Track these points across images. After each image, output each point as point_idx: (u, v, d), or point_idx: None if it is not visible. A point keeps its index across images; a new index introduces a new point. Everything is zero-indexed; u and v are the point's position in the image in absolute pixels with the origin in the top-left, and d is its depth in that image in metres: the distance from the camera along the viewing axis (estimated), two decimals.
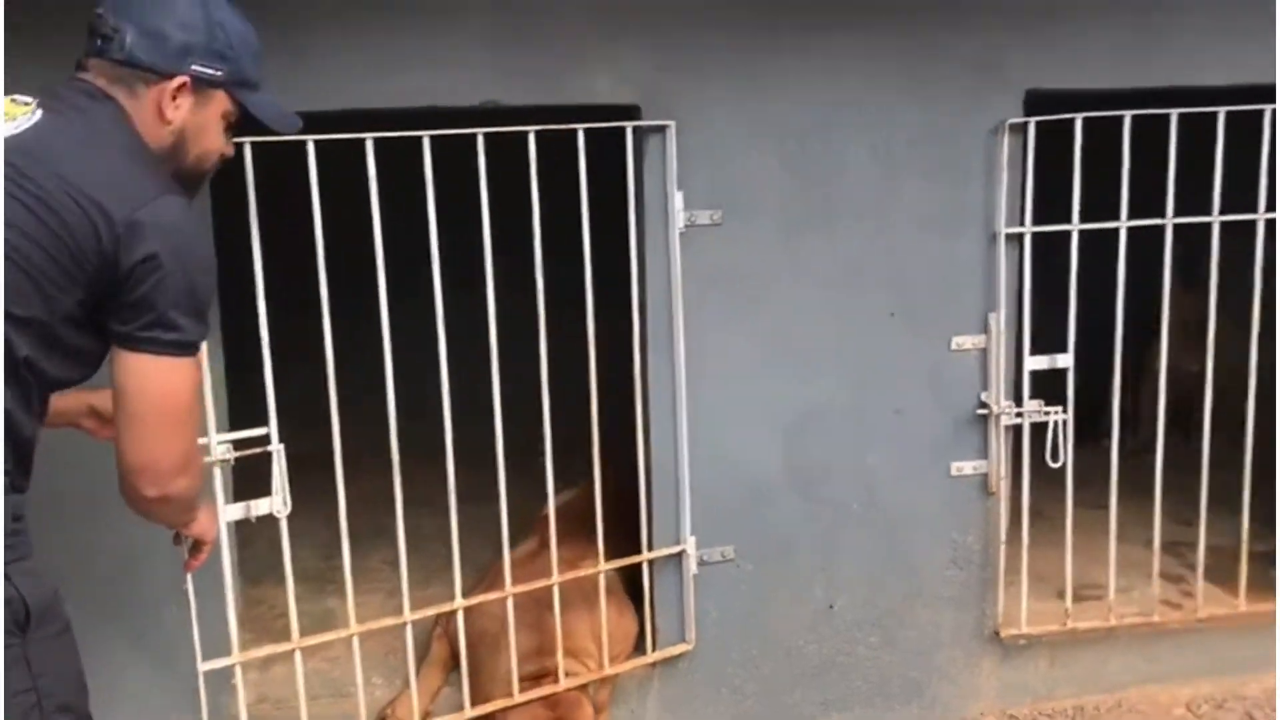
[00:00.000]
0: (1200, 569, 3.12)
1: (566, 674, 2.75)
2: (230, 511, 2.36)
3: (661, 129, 2.65)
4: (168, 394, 1.68)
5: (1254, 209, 2.88)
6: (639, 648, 2.92)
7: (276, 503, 2.37)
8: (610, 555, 2.83)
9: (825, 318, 2.83)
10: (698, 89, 2.67)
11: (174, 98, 1.75)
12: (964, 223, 2.82)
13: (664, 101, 2.66)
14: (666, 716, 2.95)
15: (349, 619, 2.56)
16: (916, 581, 2.99)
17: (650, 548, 2.85)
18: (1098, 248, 2.82)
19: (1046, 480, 2.92)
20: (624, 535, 2.91)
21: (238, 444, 2.37)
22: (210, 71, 1.77)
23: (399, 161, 2.43)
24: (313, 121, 2.39)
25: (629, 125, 2.63)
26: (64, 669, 1.68)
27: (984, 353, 2.87)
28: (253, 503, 2.38)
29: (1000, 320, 2.84)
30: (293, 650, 2.54)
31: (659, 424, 2.79)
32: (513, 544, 2.77)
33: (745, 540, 2.90)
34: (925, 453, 2.92)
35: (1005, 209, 2.79)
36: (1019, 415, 2.87)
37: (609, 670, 2.82)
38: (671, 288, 2.72)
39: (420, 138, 2.41)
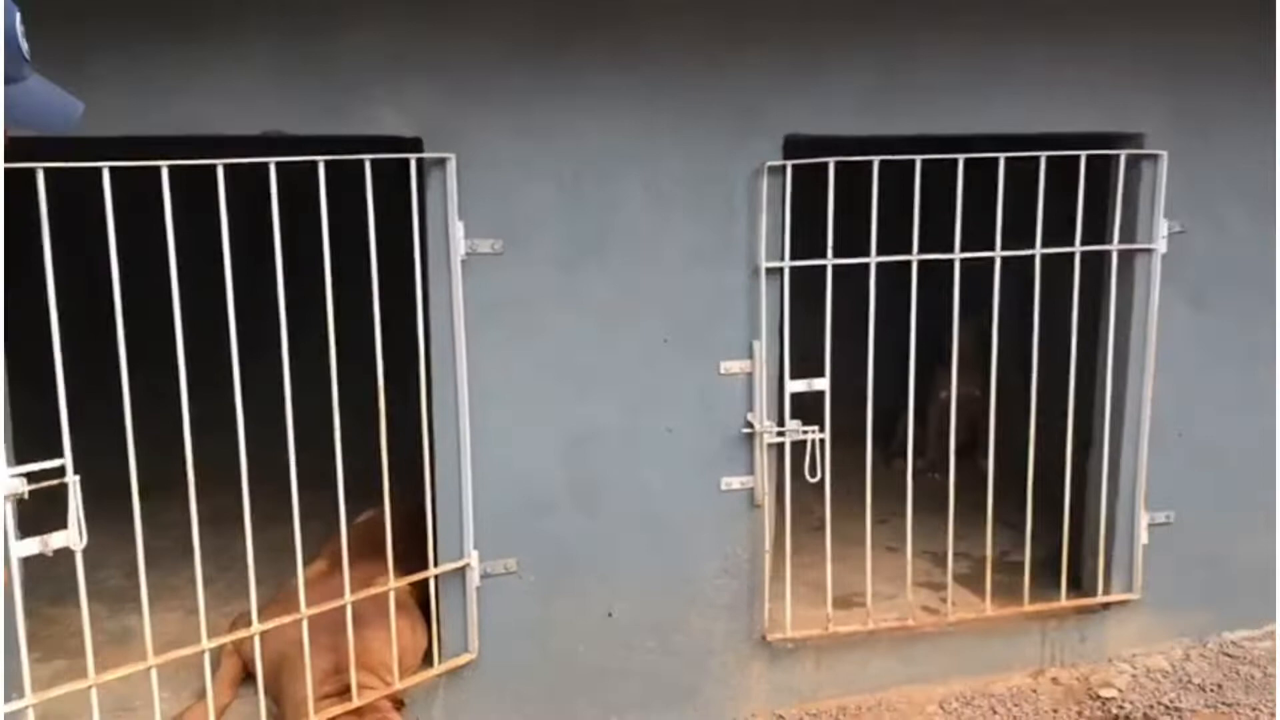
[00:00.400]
0: (949, 576, 3.42)
1: (363, 688, 2.84)
2: (24, 547, 2.28)
3: (442, 161, 2.80)
4: None
5: (990, 247, 3.19)
6: (429, 659, 3.05)
7: (72, 536, 2.29)
8: (405, 572, 2.95)
9: (601, 343, 3.01)
10: (479, 124, 2.83)
11: None
12: (729, 256, 3.04)
13: (446, 135, 2.81)
14: None
15: (147, 652, 2.56)
16: (691, 590, 3.19)
17: (436, 563, 2.97)
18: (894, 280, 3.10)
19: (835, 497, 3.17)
20: (419, 553, 3.03)
21: (31, 476, 2.26)
22: None
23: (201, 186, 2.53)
24: (100, 146, 2.49)
25: (411, 157, 2.78)
26: None
27: (749, 376, 3.10)
28: (49, 537, 2.30)
29: (763, 347, 3.07)
30: (89, 687, 2.48)
31: (443, 444, 2.92)
32: (307, 564, 2.86)
33: (528, 553, 3.05)
34: (696, 469, 3.12)
35: (766, 244, 3.03)
36: (780, 434, 3.11)
37: (400, 685, 2.93)
38: (454, 314, 2.86)
39: (159, 168, 2.45)
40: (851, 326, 3.14)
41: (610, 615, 3.14)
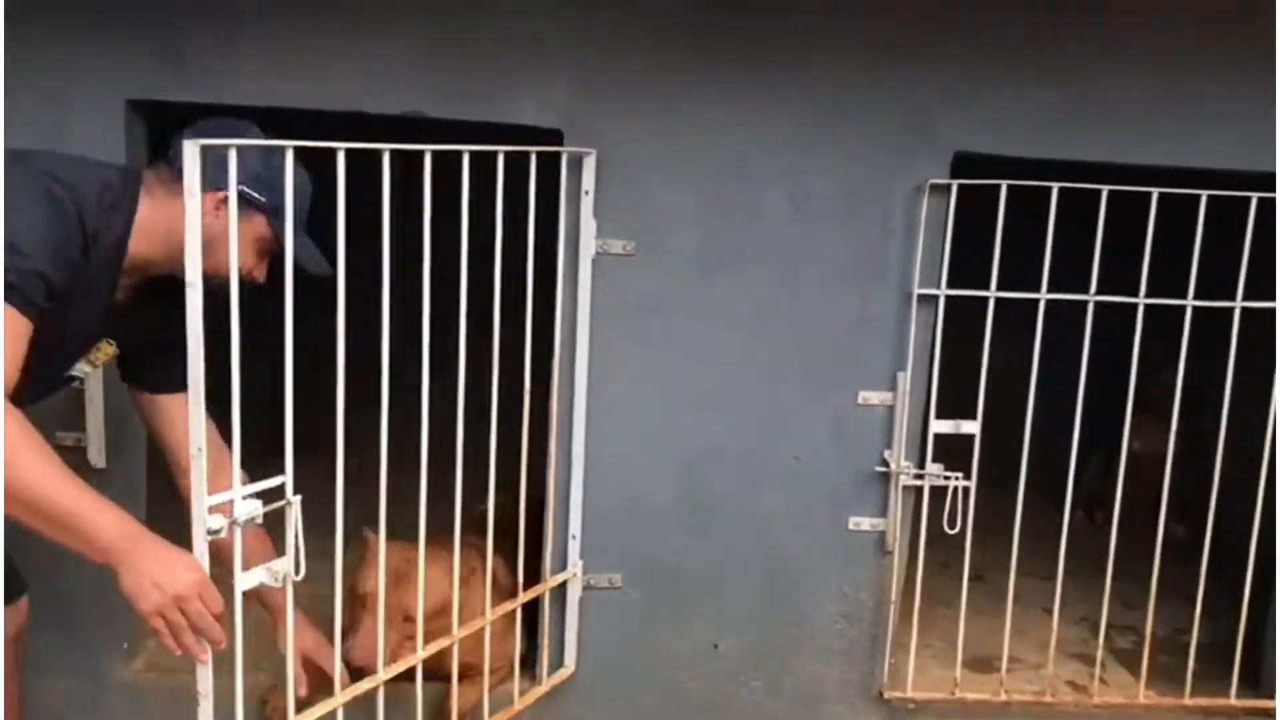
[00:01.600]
0: (1099, 653, 3.08)
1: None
2: (249, 578, 1.91)
3: (580, 156, 2.67)
4: None
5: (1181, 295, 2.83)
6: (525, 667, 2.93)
7: (288, 563, 1.93)
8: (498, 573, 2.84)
9: (731, 357, 2.83)
10: (621, 120, 2.69)
11: (216, 207, 1.93)
12: (879, 279, 2.80)
13: (587, 129, 2.68)
14: None
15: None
16: (804, 630, 2.97)
17: (546, 574, 2.85)
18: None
19: (982, 545, 2.89)
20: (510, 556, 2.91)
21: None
22: (255, 196, 1.98)
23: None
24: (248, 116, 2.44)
25: (545, 150, 2.65)
26: None
27: (890, 410, 2.85)
28: (273, 564, 1.93)
29: (908, 379, 2.81)
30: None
31: (556, 450, 2.80)
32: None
33: (634, 570, 2.91)
34: (822, 503, 2.90)
35: (920, 269, 2.77)
36: (919, 477, 2.85)
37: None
38: (578, 315, 2.74)
39: (336, 149, 2.30)
40: (1009, 365, 2.84)
41: (716, 647, 2.96)
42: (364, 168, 2.07)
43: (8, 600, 2.29)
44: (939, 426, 2.82)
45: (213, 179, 1.84)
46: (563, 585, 2.87)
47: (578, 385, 2.77)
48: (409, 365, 2.42)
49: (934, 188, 2.73)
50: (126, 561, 1.76)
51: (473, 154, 2.27)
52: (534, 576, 2.84)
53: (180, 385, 1.82)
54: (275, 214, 2.01)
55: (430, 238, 2.28)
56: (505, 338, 2.50)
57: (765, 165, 2.75)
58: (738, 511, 2.90)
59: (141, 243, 1.97)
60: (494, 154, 2.37)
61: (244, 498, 1.82)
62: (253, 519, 1.82)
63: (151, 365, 2.23)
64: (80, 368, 2.14)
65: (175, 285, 1.79)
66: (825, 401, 2.86)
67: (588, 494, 2.84)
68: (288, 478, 1.90)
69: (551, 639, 2.89)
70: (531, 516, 2.84)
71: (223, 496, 1.79)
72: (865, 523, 2.91)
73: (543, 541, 2.84)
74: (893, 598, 2.92)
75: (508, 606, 2.71)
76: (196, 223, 1.67)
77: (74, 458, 2.49)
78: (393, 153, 2.07)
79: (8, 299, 1.75)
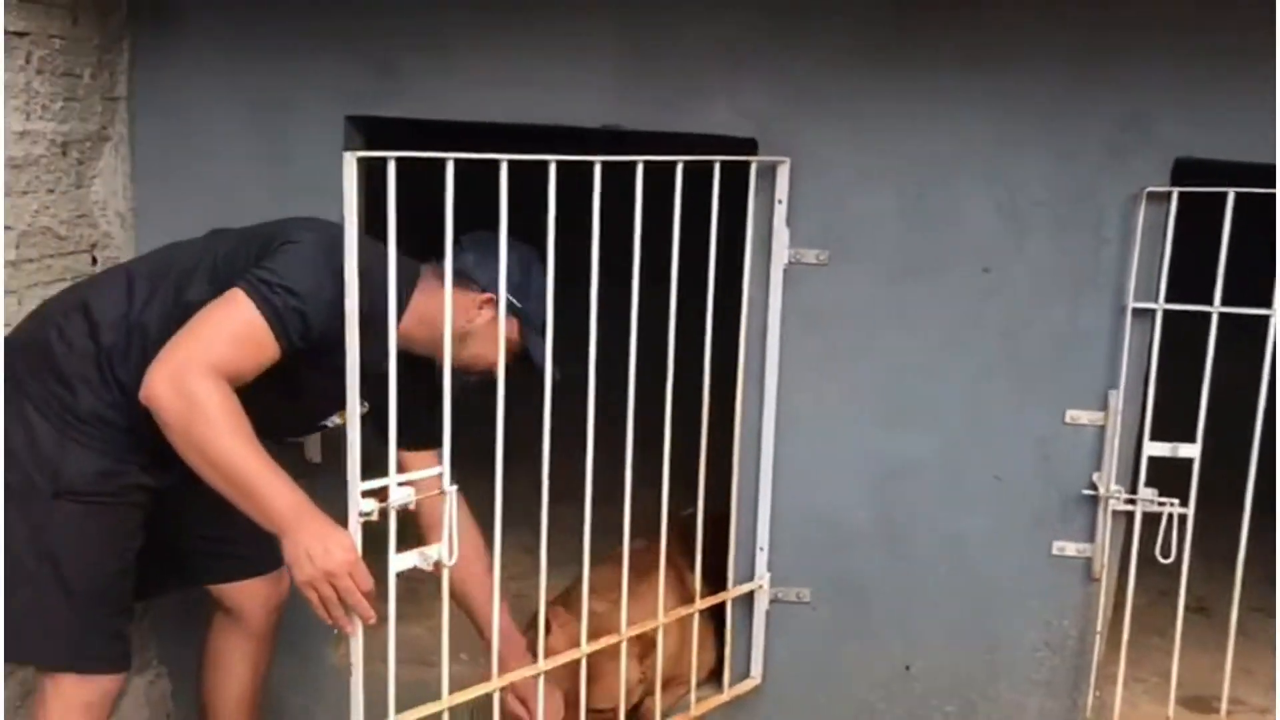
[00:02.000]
0: None
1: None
2: (403, 560, 1.99)
3: (774, 165, 2.64)
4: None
5: None
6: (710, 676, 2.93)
7: (444, 550, 2.01)
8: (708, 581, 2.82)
9: (928, 370, 2.74)
10: (816, 127, 2.65)
11: (480, 306, 2.20)
12: (1090, 291, 2.65)
13: (781, 137, 2.65)
14: None
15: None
16: (1003, 658, 2.85)
17: (731, 583, 2.84)
18: None
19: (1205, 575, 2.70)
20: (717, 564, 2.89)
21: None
22: (515, 302, 2.20)
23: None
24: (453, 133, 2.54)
25: (741, 160, 2.64)
26: (73, 542, 2.10)
27: (1100, 430, 2.69)
28: (426, 550, 2.01)
29: (1120, 398, 2.65)
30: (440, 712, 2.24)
31: (743, 460, 2.79)
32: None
33: (823, 585, 2.86)
34: (1025, 526, 2.77)
35: (1136, 281, 2.61)
36: (1130, 502, 2.68)
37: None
38: (768, 325, 2.71)
39: (498, 160, 2.08)
40: (1233, 383, 2.64)
41: (908, 669, 2.87)
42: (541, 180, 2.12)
43: (270, 568, 2.46)
44: (1154, 449, 2.65)
45: (482, 282, 2.18)
46: (749, 596, 2.84)
47: (767, 396, 2.74)
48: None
49: (1152, 195, 2.56)
50: (290, 533, 1.91)
51: (664, 165, 2.29)
52: (719, 587, 2.83)
53: (420, 445, 2.20)
54: (527, 321, 2.26)
55: (601, 250, 2.30)
56: (691, 348, 2.50)
57: (969, 170, 2.65)
58: (933, 531, 2.81)
59: (410, 323, 2.13)
60: (710, 164, 2.40)
61: (399, 484, 1.93)
62: (405, 505, 1.93)
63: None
64: (333, 419, 2.32)
65: (430, 363, 2.12)
66: (1030, 419, 2.73)
67: (776, 506, 2.81)
68: (445, 469, 2.03)
69: (736, 649, 2.88)
70: (717, 527, 2.83)
71: (378, 482, 1.90)
72: (1070, 547, 2.76)
73: (726, 552, 2.82)
74: (1099, 627, 2.76)
75: (683, 611, 2.71)
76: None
77: (292, 452, 2.65)
78: (575, 165, 2.12)
79: (265, 318, 1.99)
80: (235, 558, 2.46)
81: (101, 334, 2.12)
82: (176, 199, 2.82)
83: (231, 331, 1.99)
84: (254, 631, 2.57)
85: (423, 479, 1.97)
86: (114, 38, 2.74)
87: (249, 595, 2.49)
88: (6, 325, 2.42)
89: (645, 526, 2.66)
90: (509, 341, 2.21)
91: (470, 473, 2.15)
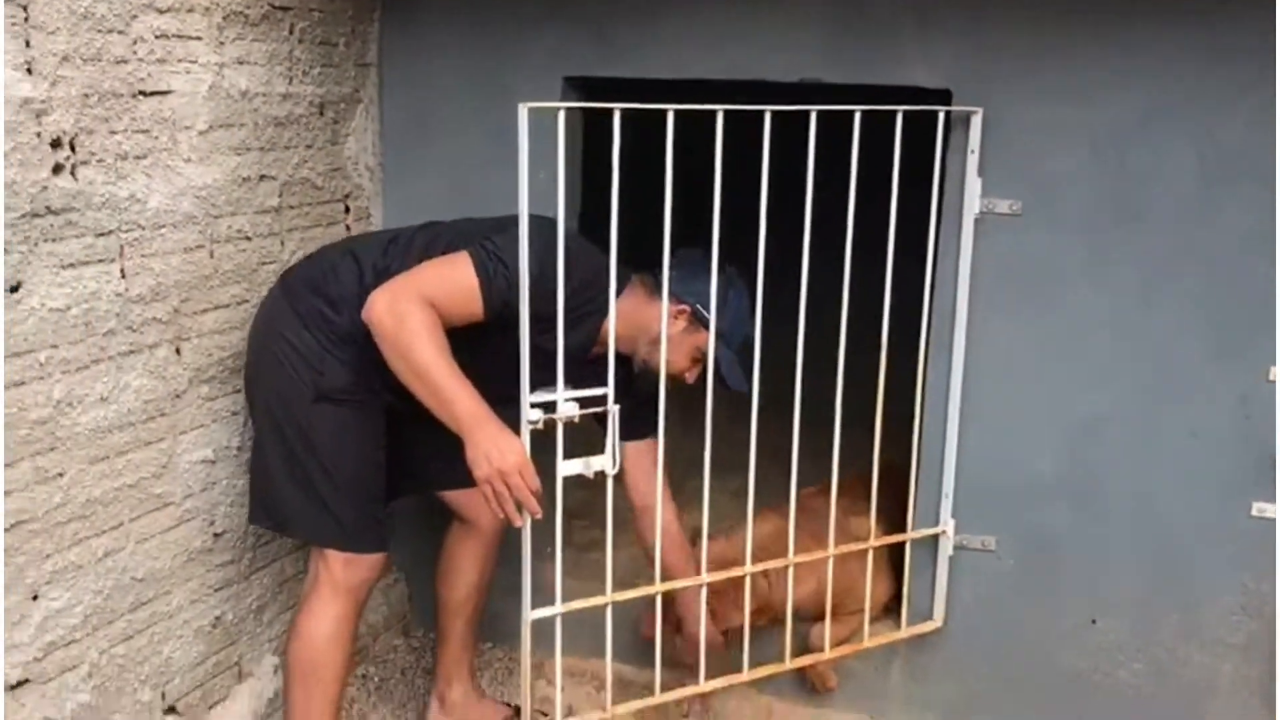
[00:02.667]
0: None
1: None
2: (569, 467, 2.32)
3: (968, 116, 2.69)
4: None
5: None
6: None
7: (607, 461, 2.36)
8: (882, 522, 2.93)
9: (1122, 324, 2.72)
10: (1008, 78, 2.68)
11: (675, 316, 2.48)
12: None
13: (973, 88, 2.70)
14: (910, 684, 3.04)
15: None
16: (1194, 619, 2.81)
17: (913, 526, 2.93)
18: None
19: None
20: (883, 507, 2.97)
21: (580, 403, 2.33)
22: (706, 315, 2.45)
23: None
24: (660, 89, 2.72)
25: (934, 109, 2.70)
26: (333, 439, 2.50)
27: None
28: (590, 459, 2.34)
29: None
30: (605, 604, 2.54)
31: (932, 409, 2.86)
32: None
33: (1008, 535, 2.90)
34: (1221, 485, 2.72)
35: None
36: None
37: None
38: (958, 276, 2.77)
39: (714, 111, 2.34)
40: None
41: (1094, 623, 2.88)
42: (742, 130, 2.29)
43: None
44: None
45: (678, 293, 2.47)
46: (933, 541, 2.92)
47: (956, 344, 2.80)
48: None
49: None
50: (470, 436, 2.24)
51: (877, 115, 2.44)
52: (896, 532, 2.94)
53: (637, 435, 2.57)
54: (719, 336, 2.48)
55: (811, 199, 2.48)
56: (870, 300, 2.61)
57: (1171, 121, 2.62)
58: (1124, 487, 2.80)
59: (618, 324, 2.37)
60: (891, 113, 2.50)
61: (565, 400, 2.24)
62: (570, 419, 2.25)
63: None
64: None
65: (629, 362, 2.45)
66: (1229, 377, 2.67)
67: (963, 455, 2.87)
68: (610, 389, 2.32)
69: (917, 591, 2.96)
70: (899, 474, 2.92)
71: (545, 395, 2.21)
72: (1271, 509, 2.69)
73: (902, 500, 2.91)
74: None
75: (856, 546, 2.85)
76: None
77: None
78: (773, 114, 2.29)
79: (479, 281, 2.35)
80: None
81: (365, 277, 2.52)
82: (418, 155, 3.16)
83: (450, 280, 2.36)
84: (483, 538, 2.92)
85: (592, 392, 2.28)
86: (366, 10, 3.08)
87: (479, 503, 2.77)
88: (270, 263, 2.81)
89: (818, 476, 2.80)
90: (698, 351, 2.51)
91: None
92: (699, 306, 2.48)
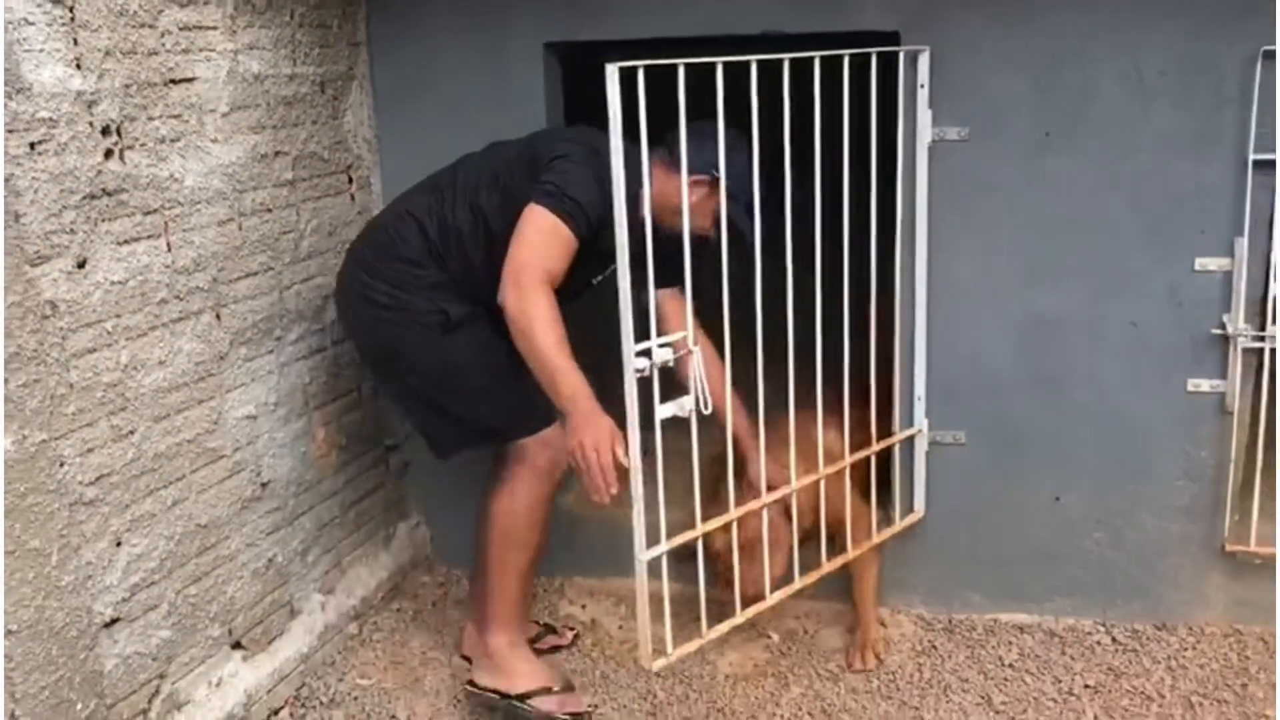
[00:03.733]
0: None
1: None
2: (664, 410, 2.52)
3: (916, 54, 2.99)
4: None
5: None
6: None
7: (690, 402, 2.55)
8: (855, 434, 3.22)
9: (1066, 231, 3.04)
10: (955, 16, 2.97)
11: (695, 186, 2.70)
12: (1213, 148, 2.90)
13: (923, 28, 2.99)
14: (898, 570, 3.37)
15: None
16: (1146, 488, 3.16)
17: (893, 430, 3.25)
18: None
19: None
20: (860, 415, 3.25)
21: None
22: (719, 177, 2.70)
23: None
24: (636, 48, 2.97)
25: (885, 50, 2.98)
26: (478, 353, 2.81)
27: (1228, 275, 2.95)
28: (683, 400, 2.53)
29: (1244, 245, 2.90)
30: (696, 537, 2.77)
31: (902, 320, 3.17)
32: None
33: (978, 429, 3.23)
34: (1161, 367, 3.07)
35: (1256, 136, 2.84)
36: (1259, 340, 2.94)
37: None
38: (916, 197, 3.07)
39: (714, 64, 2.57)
40: None
41: (1058, 500, 3.22)
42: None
43: (539, 427, 2.88)
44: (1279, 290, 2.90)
45: (696, 165, 2.67)
46: (910, 441, 3.25)
47: (918, 262, 3.11)
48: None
49: (1267, 54, 2.79)
50: (569, 414, 2.53)
51: (819, 60, 2.72)
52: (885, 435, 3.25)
53: (667, 283, 2.75)
54: (731, 196, 2.74)
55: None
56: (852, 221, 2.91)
57: (1098, 46, 2.93)
58: (1077, 375, 3.14)
59: (653, 204, 2.58)
60: (839, 58, 2.78)
61: (659, 346, 2.49)
62: (665, 363, 2.50)
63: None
64: (598, 278, 2.92)
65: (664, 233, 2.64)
66: (1162, 269, 3.01)
67: (932, 360, 3.19)
68: (690, 333, 2.62)
69: (902, 487, 3.29)
70: (881, 381, 3.23)
71: (643, 344, 2.46)
72: (1205, 384, 3.04)
73: (891, 402, 3.23)
74: (1233, 456, 3.04)
75: (860, 455, 3.15)
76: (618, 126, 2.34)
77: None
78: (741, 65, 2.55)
79: (564, 222, 2.63)
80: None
81: (429, 231, 2.83)
82: (412, 124, 3.40)
83: (549, 244, 2.64)
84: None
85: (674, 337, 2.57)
86: None
87: (543, 443, 2.95)
88: (289, 232, 3.05)
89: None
90: (715, 210, 2.78)
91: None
92: (714, 173, 2.72)
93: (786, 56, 2.65)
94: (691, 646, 2.80)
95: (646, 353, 2.46)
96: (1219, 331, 2.98)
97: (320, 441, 3.25)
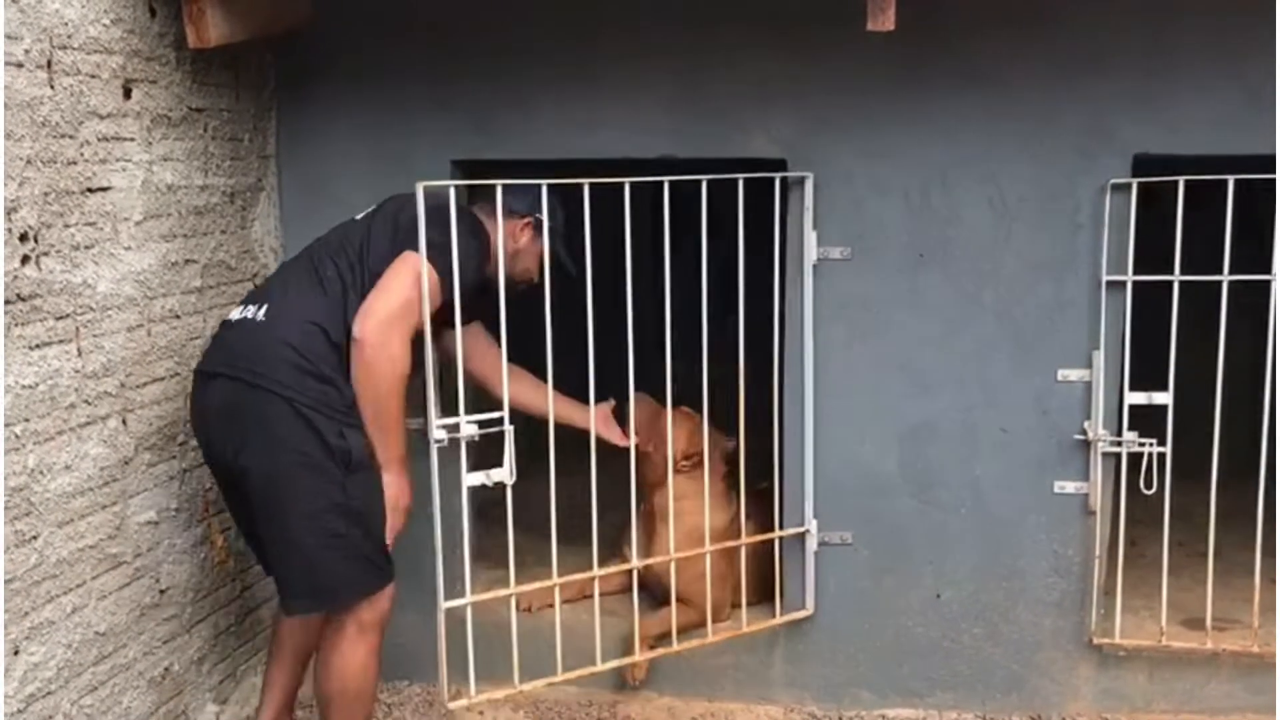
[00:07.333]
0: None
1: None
2: (472, 478, 2.81)
3: (802, 179, 3.22)
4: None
5: None
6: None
7: (505, 473, 2.82)
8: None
9: (940, 344, 3.28)
10: (835, 146, 3.22)
11: (521, 230, 2.99)
12: (1071, 269, 3.19)
13: (806, 156, 3.23)
14: (790, 669, 3.48)
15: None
16: (1019, 584, 3.36)
17: (780, 527, 3.41)
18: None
19: (1184, 511, 3.25)
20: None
21: (481, 424, 2.80)
22: (547, 223, 2.98)
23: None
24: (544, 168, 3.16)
25: (774, 175, 3.22)
26: (370, 498, 2.79)
27: (1088, 385, 3.21)
28: (491, 471, 2.81)
29: (1102, 357, 3.18)
30: (509, 595, 3.01)
31: (790, 426, 3.34)
32: None
33: (863, 530, 3.40)
34: (1030, 470, 3.30)
35: (1108, 259, 3.14)
36: (1116, 445, 3.19)
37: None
38: (804, 313, 3.28)
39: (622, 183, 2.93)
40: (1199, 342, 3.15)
41: (939, 597, 3.40)
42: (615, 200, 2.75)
43: (384, 585, 2.87)
44: (1133, 398, 3.17)
45: (518, 210, 2.96)
46: (800, 539, 3.40)
47: (806, 372, 3.30)
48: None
49: (1115, 186, 3.10)
50: (388, 470, 2.82)
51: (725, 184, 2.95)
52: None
53: (466, 321, 2.88)
54: (552, 235, 2.99)
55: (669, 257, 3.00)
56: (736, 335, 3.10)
57: (965, 175, 3.21)
58: (954, 478, 3.34)
59: (490, 255, 2.87)
60: (733, 181, 3.00)
61: (467, 422, 2.78)
62: (471, 439, 2.79)
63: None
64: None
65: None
66: (1028, 380, 3.26)
67: (819, 463, 3.36)
68: (505, 413, 2.84)
69: (791, 583, 3.43)
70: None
71: (451, 420, 2.73)
72: (1070, 486, 3.28)
73: (781, 503, 3.39)
74: (1097, 553, 3.26)
75: (734, 544, 3.34)
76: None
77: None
78: (642, 186, 2.75)
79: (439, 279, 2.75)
80: None
81: (332, 338, 2.75)
82: (317, 234, 3.45)
83: (413, 301, 2.71)
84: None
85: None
86: (265, 108, 3.41)
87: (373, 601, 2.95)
88: (196, 338, 3.09)
89: None
90: (540, 254, 3.00)
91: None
92: (536, 215, 2.97)
93: (628, 181, 2.93)
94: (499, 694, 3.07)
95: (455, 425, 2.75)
96: (1081, 437, 3.23)
97: (218, 548, 3.24)
